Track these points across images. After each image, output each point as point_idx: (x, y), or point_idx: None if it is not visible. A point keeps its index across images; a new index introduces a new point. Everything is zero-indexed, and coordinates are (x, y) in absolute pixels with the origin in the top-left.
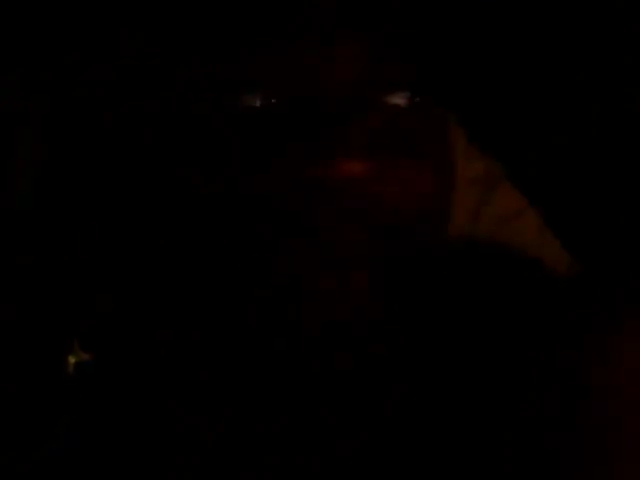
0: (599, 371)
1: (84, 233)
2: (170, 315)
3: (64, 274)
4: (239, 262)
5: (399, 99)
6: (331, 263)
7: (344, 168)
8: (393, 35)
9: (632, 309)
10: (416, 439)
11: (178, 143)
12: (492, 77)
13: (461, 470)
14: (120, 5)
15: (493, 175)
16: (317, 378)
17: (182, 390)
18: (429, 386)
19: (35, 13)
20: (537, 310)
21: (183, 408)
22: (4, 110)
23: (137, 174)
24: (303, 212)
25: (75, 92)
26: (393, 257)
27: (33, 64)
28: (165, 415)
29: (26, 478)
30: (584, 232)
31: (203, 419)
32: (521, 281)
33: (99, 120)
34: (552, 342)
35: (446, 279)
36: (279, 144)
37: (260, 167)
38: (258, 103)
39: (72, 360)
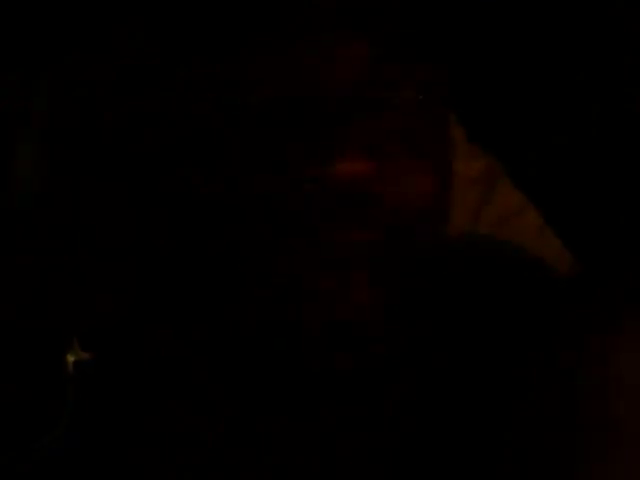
0: (599, 371)
1: (84, 233)
2: (170, 315)
3: (64, 274)
4: (239, 262)
5: (399, 99)
6: (331, 263)
7: (344, 168)
8: (393, 35)
9: (632, 309)
10: (416, 439)
11: (178, 143)
12: (492, 77)
13: (461, 470)
14: (120, 5)
15: (493, 175)
16: (317, 378)
17: (182, 390)
18: (429, 386)
19: (35, 13)
20: (537, 310)
21: (183, 408)
22: (4, 110)
23: (137, 174)
24: (303, 212)
25: (75, 92)
26: (393, 257)
27: (33, 64)
28: (165, 415)
29: (26, 478)
30: (584, 232)
31: (203, 419)
32: (521, 281)
33: (99, 120)
34: (552, 342)
35: (446, 279)
36: (279, 144)
37: (260, 167)
38: (258, 103)
39: (72, 359)
